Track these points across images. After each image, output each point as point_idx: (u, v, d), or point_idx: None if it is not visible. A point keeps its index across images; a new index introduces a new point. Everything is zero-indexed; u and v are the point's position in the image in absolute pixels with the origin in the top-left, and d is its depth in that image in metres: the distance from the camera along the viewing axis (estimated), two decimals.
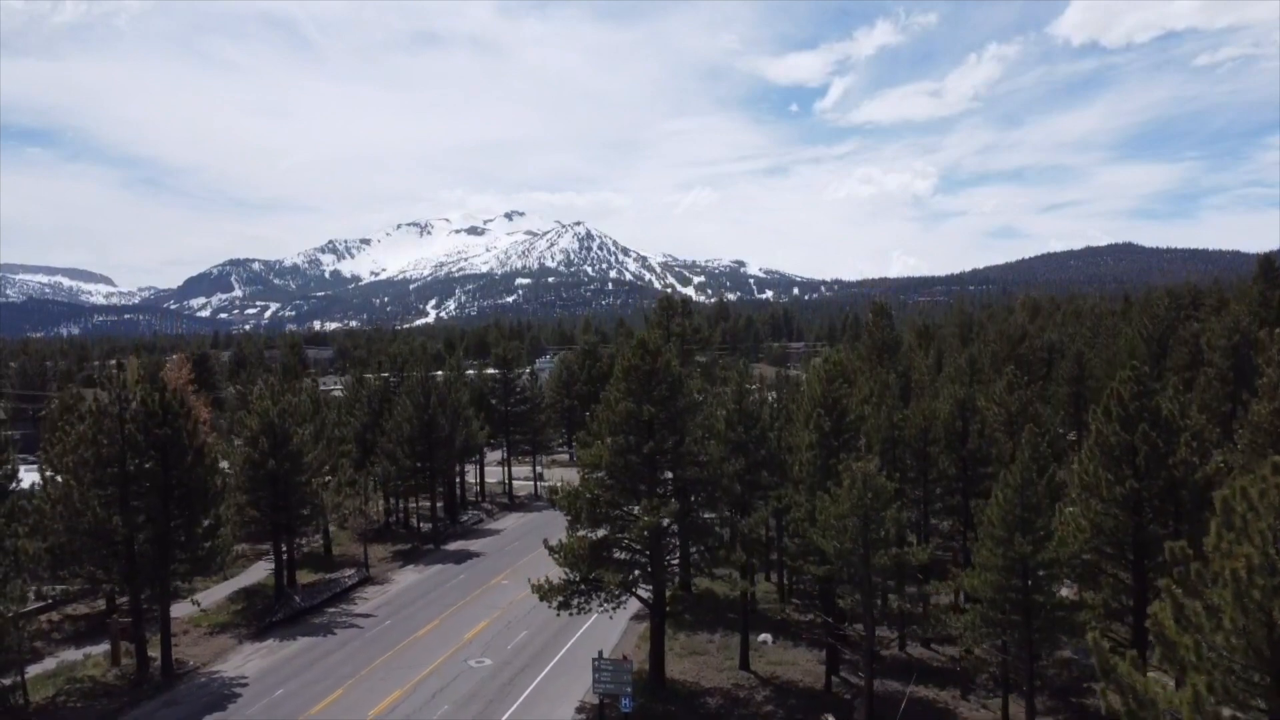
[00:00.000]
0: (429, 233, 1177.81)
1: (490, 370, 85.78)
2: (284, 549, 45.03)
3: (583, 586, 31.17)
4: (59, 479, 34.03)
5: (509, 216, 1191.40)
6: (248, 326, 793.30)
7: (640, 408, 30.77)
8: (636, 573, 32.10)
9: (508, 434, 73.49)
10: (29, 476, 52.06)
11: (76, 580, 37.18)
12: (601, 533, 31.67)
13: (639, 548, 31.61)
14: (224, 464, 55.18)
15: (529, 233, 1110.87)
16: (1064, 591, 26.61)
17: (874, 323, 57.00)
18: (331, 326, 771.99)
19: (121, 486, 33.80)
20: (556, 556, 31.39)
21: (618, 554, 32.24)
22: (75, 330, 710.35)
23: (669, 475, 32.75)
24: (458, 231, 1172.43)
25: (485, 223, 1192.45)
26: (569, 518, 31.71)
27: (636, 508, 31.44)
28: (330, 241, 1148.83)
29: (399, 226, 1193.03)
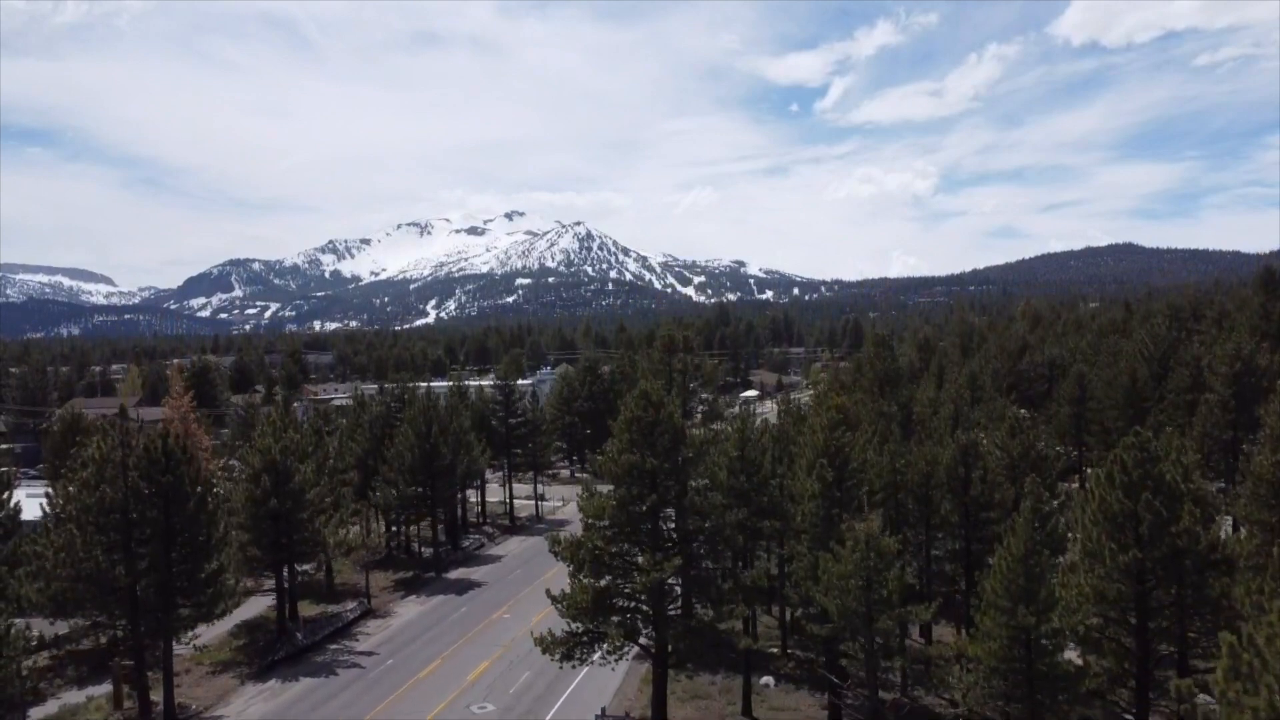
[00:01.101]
0: (429, 233, 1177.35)
1: (491, 383, 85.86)
2: (285, 583, 45.01)
3: (585, 638, 31.18)
4: (62, 526, 33.96)
5: (509, 216, 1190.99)
6: (248, 327, 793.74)
7: (643, 459, 30.78)
8: (639, 620, 32.15)
9: (509, 454, 73.39)
10: (31, 504, 52.26)
11: (78, 623, 37.31)
12: (604, 581, 31.68)
13: (642, 597, 31.62)
14: (222, 491, 55.42)
15: (529, 233, 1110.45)
16: (1067, 654, 26.60)
17: (875, 354, 57.05)
18: (332, 327, 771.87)
19: (124, 533, 33.80)
20: (560, 607, 31.41)
21: (620, 602, 32.29)
22: (75, 330, 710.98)
23: (671, 521, 32.79)
24: (458, 231, 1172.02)
25: (485, 223, 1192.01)
26: (571, 568, 31.69)
27: (640, 557, 31.51)
28: (330, 241, 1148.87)
29: (399, 226, 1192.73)
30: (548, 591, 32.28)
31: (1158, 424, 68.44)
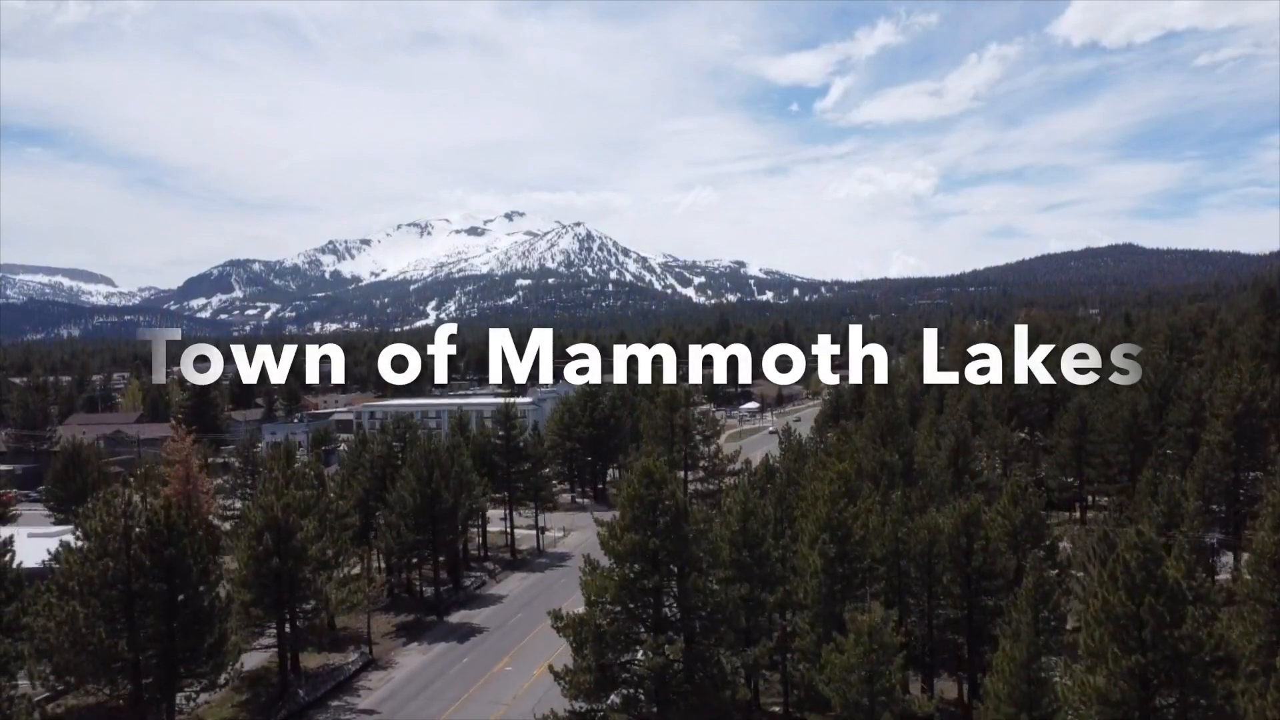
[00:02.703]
0: (429, 233, 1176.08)
1: (491, 401, 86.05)
2: (287, 631, 44.88)
3: (589, 718, 31.23)
4: (65, 601, 33.93)
5: (509, 217, 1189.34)
6: (248, 328, 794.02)
7: (646, 539, 30.85)
8: (641, 695, 32.20)
9: (510, 486, 73.23)
10: (34, 546, 52.12)
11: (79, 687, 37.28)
12: (607, 658, 31.72)
13: (646, 674, 31.67)
14: (224, 538, 55.46)
15: (529, 233, 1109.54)
16: None
17: (876, 402, 57.16)
18: (332, 328, 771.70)
19: (126, 606, 33.85)
20: (563, 684, 31.52)
21: (624, 675, 32.36)
22: (75, 332, 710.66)
23: (674, 593, 32.85)
24: (458, 232, 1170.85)
25: (485, 223, 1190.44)
26: (574, 646, 31.73)
27: (643, 633, 31.63)
28: (330, 242, 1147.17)
29: (399, 227, 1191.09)
30: (550, 667, 32.39)
31: (1159, 459, 68.72)
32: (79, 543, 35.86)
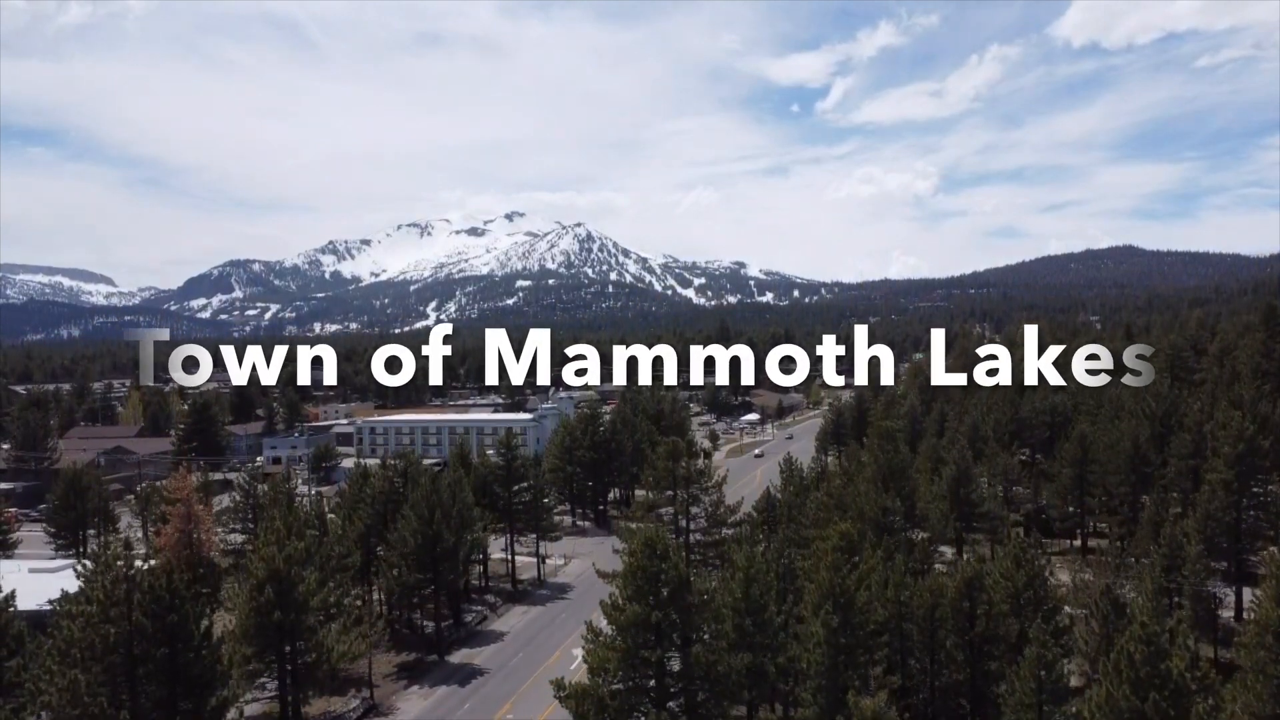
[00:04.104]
0: (429, 234, 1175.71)
1: (492, 415, 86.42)
2: (288, 677, 44.85)
3: None
4: (66, 670, 33.85)
5: (509, 217, 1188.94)
6: (248, 328, 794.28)
7: (648, 612, 30.82)
8: None
9: (511, 515, 73.18)
10: (34, 582, 52.08)
11: None
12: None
13: None
14: (225, 561, 55.28)
15: (529, 234, 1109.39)
16: None
17: (878, 446, 57.18)
18: (332, 328, 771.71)
19: (129, 672, 33.78)
20: None
21: None
22: (75, 332, 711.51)
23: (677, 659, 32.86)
24: (458, 232, 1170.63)
25: (485, 223, 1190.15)
26: (576, 717, 31.72)
27: (646, 703, 31.60)
28: (330, 242, 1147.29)
29: (399, 227, 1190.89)
30: None
31: (1161, 492, 68.57)
32: (79, 595, 35.80)
